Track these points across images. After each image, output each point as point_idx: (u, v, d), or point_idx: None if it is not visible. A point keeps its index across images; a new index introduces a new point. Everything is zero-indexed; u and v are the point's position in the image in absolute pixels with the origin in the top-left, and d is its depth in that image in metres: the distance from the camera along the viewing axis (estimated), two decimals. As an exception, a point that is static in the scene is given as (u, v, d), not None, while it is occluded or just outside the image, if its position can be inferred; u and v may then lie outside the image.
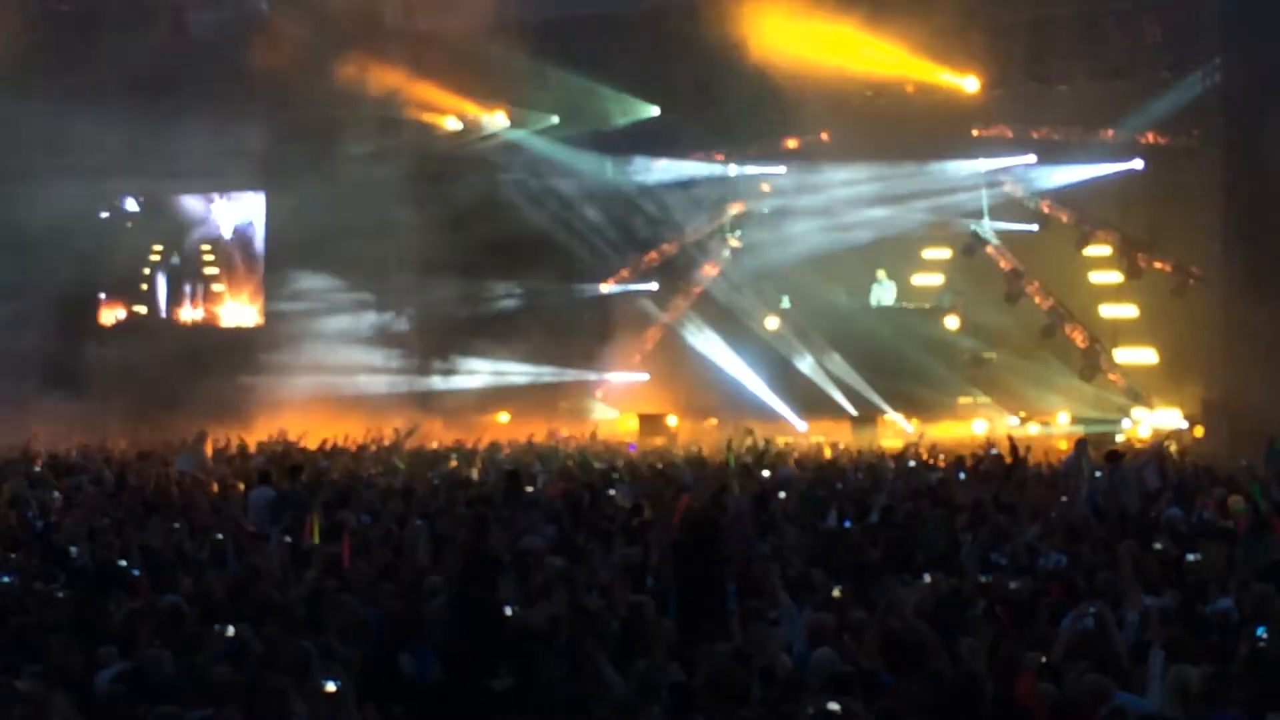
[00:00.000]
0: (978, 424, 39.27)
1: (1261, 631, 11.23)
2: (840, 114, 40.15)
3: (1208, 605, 13.13)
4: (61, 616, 12.77)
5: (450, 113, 42.23)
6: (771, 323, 42.70)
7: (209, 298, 43.02)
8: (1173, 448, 30.63)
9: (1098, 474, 22.91)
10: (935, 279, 42.19)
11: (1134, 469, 21.75)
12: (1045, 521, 18.03)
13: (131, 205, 42.50)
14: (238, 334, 41.98)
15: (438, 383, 40.83)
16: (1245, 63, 32.87)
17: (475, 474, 25.11)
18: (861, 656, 11.28)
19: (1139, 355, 39.07)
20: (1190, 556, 15.17)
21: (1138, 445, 31.77)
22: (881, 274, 41.74)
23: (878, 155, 40.12)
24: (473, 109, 42.42)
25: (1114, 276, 39.23)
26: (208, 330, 42.54)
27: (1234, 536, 17.12)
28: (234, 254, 42.59)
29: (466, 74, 40.37)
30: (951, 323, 40.97)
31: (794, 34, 37.35)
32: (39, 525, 18.13)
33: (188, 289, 42.70)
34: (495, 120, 42.63)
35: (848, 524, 18.02)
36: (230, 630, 11.79)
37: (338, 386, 38.65)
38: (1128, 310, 39.18)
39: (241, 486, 22.59)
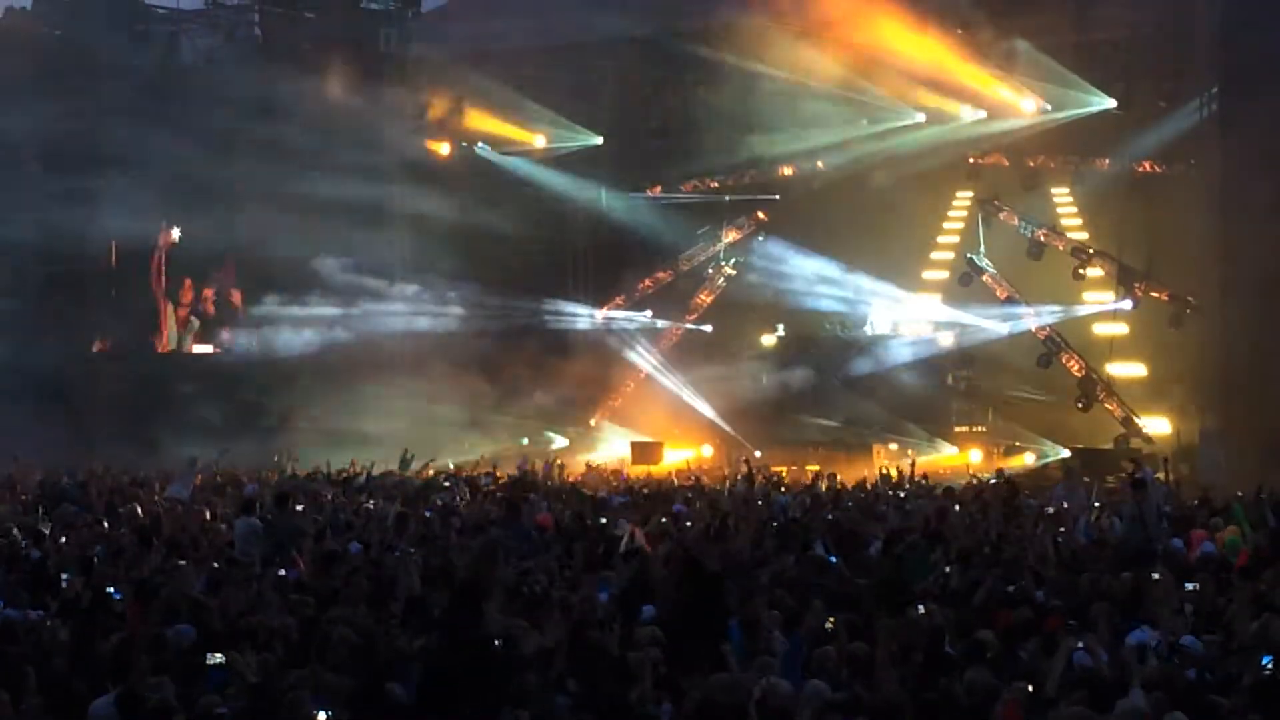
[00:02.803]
0: (974, 454, 39.32)
1: (1267, 660, 11.14)
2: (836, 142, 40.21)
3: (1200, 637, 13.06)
4: (53, 646, 12.67)
5: (443, 136, 42.28)
6: (765, 351, 42.72)
7: (199, 323, 42.88)
8: (1164, 478, 30.53)
9: (1096, 504, 22.86)
10: (931, 308, 42.13)
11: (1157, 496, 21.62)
12: (1042, 552, 17.96)
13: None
14: (225, 360, 41.87)
15: (429, 407, 40.68)
16: (1241, 92, 32.91)
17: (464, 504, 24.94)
18: (877, 685, 11.25)
19: (1135, 382, 39.06)
20: (1189, 586, 15.10)
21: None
22: (876, 302, 41.72)
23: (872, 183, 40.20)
24: (466, 132, 42.52)
25: (1110, 306, 39.25)
26: (196, 357, 42.43)
27: (1229, 567, 17.12)
28: (223, 279, 42.50)
29: (462, 99, 40.49)
30: (947, 352, 41.02)
31: (795, 61, 37.39)
32: (34, 555, 17.95)
33: (180, 315, 42.56)
34: (489, 146, 42.70)
35: (833, 559, 17.89)
36: (220, 658, 11.69)
37: (330, 411, 38.60)
38: (1123, 337, 39.17)
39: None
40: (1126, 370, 39.21)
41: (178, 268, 41.99)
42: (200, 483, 27.00)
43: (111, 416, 37.89)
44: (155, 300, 42.09)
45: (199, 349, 42.49)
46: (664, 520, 21.98)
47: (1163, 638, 12.69)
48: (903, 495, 27.40)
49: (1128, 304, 38.69)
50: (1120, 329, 39.22)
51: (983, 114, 38.75)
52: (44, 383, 37.21)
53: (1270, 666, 11.06)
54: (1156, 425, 38.10)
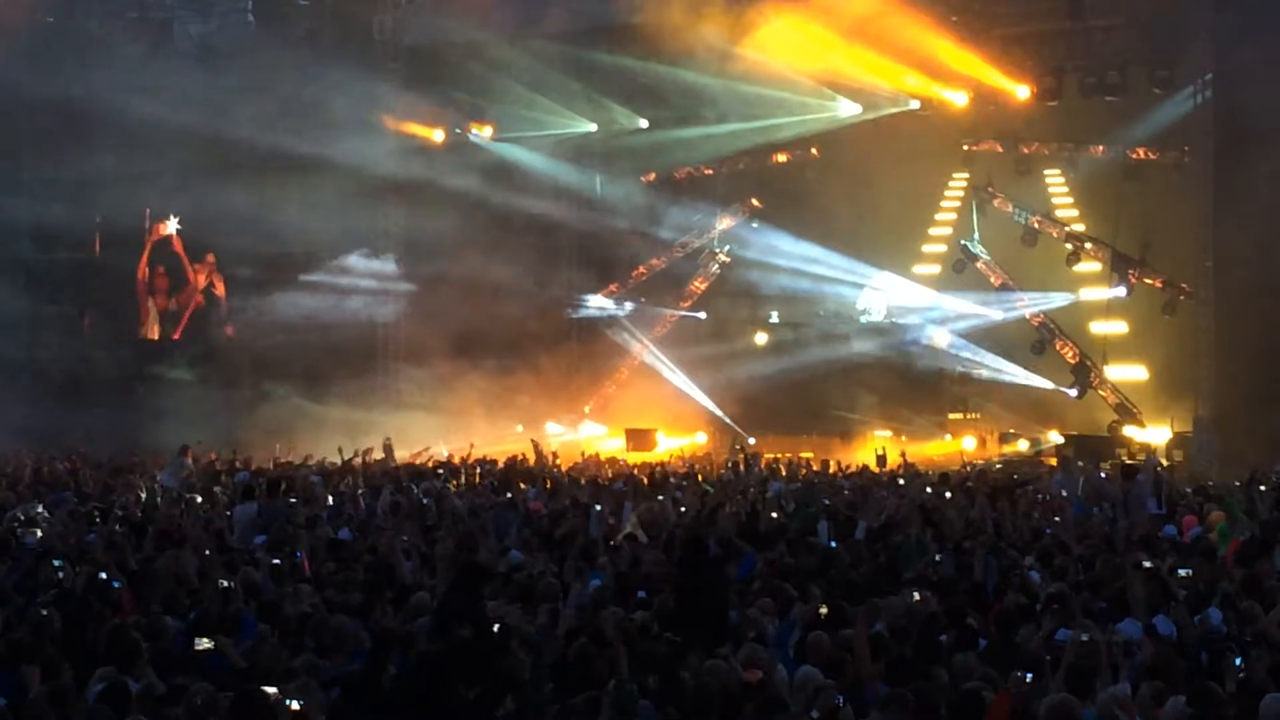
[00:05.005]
0: (967, 440, 39.31)
1: (1238, 661, 11.16)
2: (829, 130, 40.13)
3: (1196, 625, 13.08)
4: (48, 633, 12.65)
5: (437, 124, 42.15)
6: (760, 337, 42.69)
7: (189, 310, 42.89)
8: (1164, 462, 30.65)
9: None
10: (925, 295, 42.09)
11: (1147, 484, 21.69)
12: (1039, 539, 18.02)
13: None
14: (214, 347, 41.88)
15: (421, 396, 40.63)
16: (1235, 79, 32.89)
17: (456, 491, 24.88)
18: (856, 671, 11.26)
19: (1130, 373, 38.96)
20: (1182, 572, 15.13)
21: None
22: (870, 289, 41.67)
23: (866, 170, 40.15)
24: (461, 120, 42.39)
25: (1104, 293, 39.16)
26: (185, 344, 42.43)
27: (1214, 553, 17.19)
28: (210, 266, 42.49)
29: (456, 86, 40.41)
30: (940, 339, 41.00)
31: (785, 48, 37.26)
32: (29, 542, 17.91)
33: (160, 303, 42.58)
34: (483, 133, 42.59)
35: (833, 545, 17.94)
36: (208, 643, 11.69)
37: (317, 399, 38.56)
38: (1118, 326, 39.12)
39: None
40: (1127, 373, 39.03)
41: (164, 255, 42.03)
42: (192, 470, 27.02)
43: (102, 403, 37.84)
44: (140, 287, 42.14)
45: (185, 335, 42.50)
46: (660, 497, 22.06)
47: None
48: (901, 483, 27.38)
49: (1122, 291, 38.52)
50: (1119, 327, 39.10)
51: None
52: (36, 369, 37.24)
53: (1241, 668, 11.09)
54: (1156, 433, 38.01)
